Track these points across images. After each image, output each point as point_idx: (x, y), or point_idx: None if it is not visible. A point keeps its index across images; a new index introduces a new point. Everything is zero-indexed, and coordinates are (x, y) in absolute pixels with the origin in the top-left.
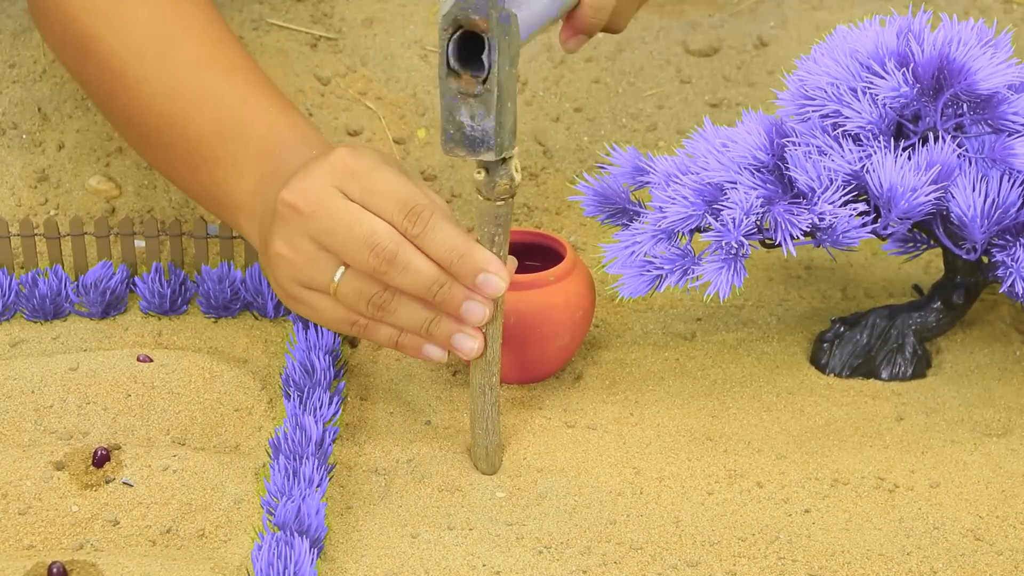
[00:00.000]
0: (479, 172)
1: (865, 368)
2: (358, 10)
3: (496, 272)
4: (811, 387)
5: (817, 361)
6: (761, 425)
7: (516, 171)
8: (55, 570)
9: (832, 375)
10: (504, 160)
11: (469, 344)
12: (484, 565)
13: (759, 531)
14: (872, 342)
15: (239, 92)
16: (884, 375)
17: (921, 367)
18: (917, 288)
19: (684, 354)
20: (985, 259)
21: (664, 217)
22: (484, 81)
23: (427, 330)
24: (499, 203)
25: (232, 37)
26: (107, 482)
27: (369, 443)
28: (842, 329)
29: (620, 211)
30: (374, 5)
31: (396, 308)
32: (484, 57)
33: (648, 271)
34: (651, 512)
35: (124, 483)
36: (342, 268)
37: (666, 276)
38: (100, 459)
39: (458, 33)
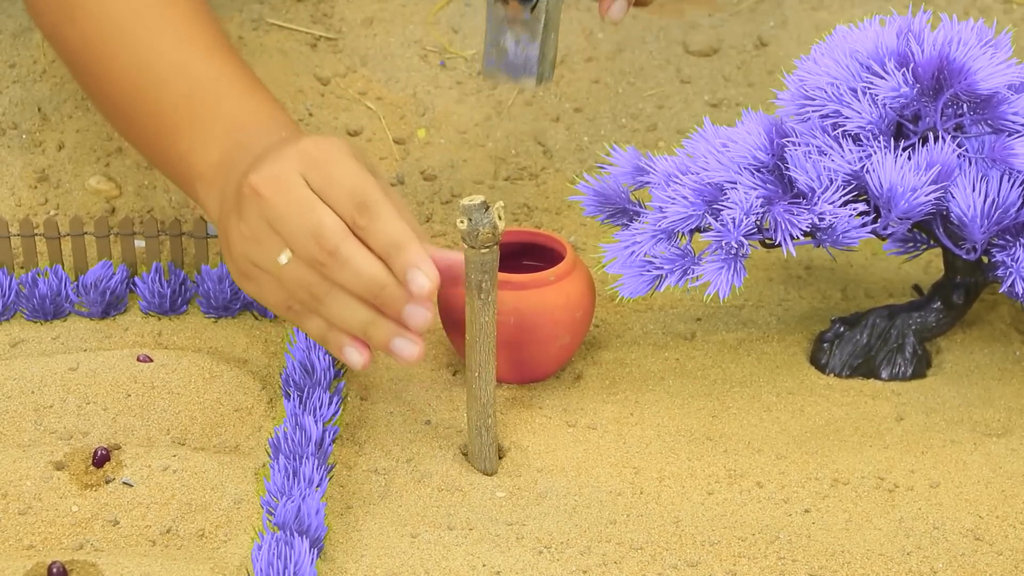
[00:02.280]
0: (462, 221)
1: (865, 368)
2: (358, 10)
3: (426, 271)
4: (811, 387)
5: (817, 361)
6: (761, 425)
7: (499, 218)
8: (55, 570)
9: (832, 375)
10: (487, 207)
11: (410, 349)
12: (484, 565)
13: (759, 531)
14: (872, 342)
15: (214, 71)
16: (884, 375)
17: (921, 367)
18: (917, 288)
19: (684, 354)
20: (985, 259)
21: (664, 217)
22: (532, 8)
23: (364, 331)
24: (484, 251)
25: (213, 21)
26: (107, 482)
27: (369, 443)
28: (842, 329)
29: (620, 211)
30: (374, 5)
31: (332, 302)
32: None
33: (648, 271)
34: (651, 512)
35: (124, 483)
36: (289, 252)
37: (666, 276)
38: (100, 459)
39: None
